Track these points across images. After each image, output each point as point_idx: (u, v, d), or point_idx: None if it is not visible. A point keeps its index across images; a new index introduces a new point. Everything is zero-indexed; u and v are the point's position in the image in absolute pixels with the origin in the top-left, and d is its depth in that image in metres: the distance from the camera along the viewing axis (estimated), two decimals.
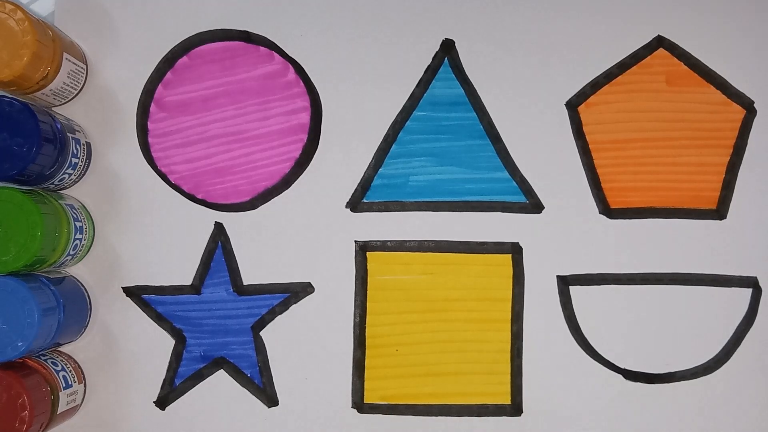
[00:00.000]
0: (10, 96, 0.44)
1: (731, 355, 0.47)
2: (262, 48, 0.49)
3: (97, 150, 0.49)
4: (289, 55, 0.49)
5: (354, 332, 0.48)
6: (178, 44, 0.49)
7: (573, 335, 0.48)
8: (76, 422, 0.48)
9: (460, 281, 0.48)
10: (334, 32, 0.49)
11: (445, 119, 0.49)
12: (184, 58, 0.49)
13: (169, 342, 0.48)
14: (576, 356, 0.48)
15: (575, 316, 0.48)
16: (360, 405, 0.48)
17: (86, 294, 0.48)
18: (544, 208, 0.48)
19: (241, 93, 0.49)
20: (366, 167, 0.49)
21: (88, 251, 0.48)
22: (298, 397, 0.48)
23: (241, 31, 0.49)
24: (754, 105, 0.48)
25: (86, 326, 0.48)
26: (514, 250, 0.48)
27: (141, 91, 0.49)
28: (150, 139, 0.49)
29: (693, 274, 0.48)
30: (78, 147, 0.47)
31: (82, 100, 0.49)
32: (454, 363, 0.48)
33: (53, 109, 0.49)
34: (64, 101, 0.49)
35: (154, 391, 0.48)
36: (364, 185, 0.49)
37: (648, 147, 0.48)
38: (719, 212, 0.48)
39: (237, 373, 0.48)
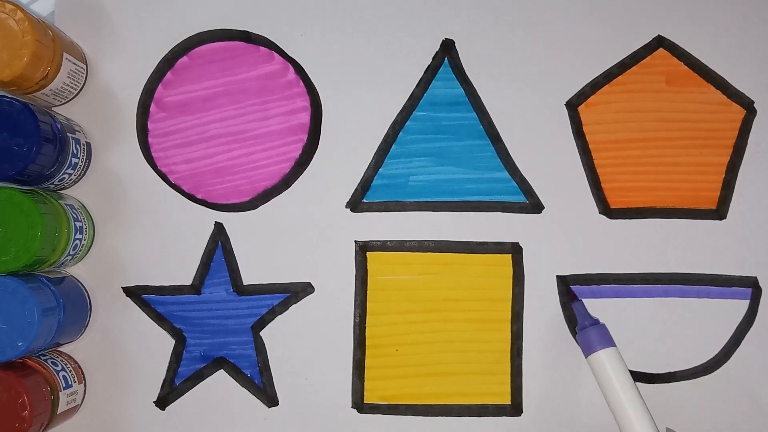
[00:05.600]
0: (10, 96, 0.44)
1: (731, 355, 0.47)
2: (262, 48, 0.49)
3: (97, 150, 0.49)
4: (289, 55, 0.49)
5: (354, 332, 0.48)
6: (178, 44, 0.49)
7: (573, 335, 0.48)
8: (76, 422, 0.48)
9: (460, 281, 0.48)
10: (334, 32, 0.49)
11: (445, 119, 0.49)
12: (184, 58, 0.49)
13: (169, 342, 0.48)
14: (576, 356, 0.48)
15: (575, 316, 0.48)
16: (360, 405, 0.48)
17: (86, 294, 0.48)
18: (544, 208, 0.48)
19: (241, 93, 0.49)
20: (366, 167, 0.49)
21: (88, 251, 0.48)
22: (298, 397, 0.48)
23: (241, 31, 0.49)
24: (754, 105, 0.48)
25: (86, 326, 0.48)
26: (514, 250, 0.48)
27: (141, 91, 0.49)
28: (150, 139, 0.49)
29: (693, 274, 0.48)
30: (78, 147, 0.47)
31: (82, 100, 0.49)
32: (454, 363, 0.48)
33: (53, 109, 0.49)
34: (64, 101, 0.49)
35: (154, 391, 0.48)
36: (364, 185, 0.49)
37: (648, 147, 0.48)
38: (719, 212, 0.48)
39: (237, 373, 0.48)
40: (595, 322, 0.46)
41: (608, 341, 0.46)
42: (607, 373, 0.45)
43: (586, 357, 0.46)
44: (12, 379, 0.42)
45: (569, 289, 0.47)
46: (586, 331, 0.46)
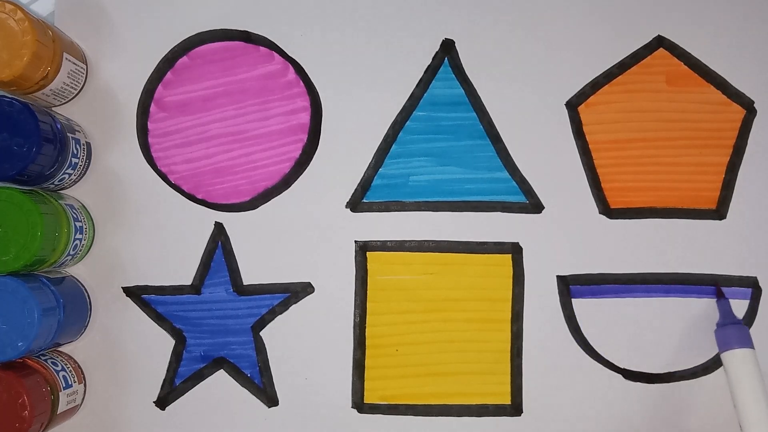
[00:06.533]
0: (10, 96, 0.44)
1: None
2: (262, 48, 0.49)
3: (97, 150, 0.49)
4: (289, 55, 0.49)
5: (354, 332, 0.48)
6: (178, 44, 0.49)
7: (573, 335, 0.48)
8: (76, 422, 0.48)
9: (460, 281, 0.48)
10: (334, 32, 0.49)
11: (445, 119, 0.49)
12: (184, 58, 0.49)
13: (169, 342, 0.48)
14: (576, 356, 0.48)
15: (575, 316, 0.48)
16: (360, 405, 0.48)
17: (86, 294, 0.48)
18: (544, 208, 0.48)
19: (241, 93, 0.49)
20: (366, 167, 0.49)
21: (88, 251, 0.48)
22: (298, 397, 0.48)
23: (241, 31, 0.49)
24: (754, 105, 0.48)
25: (86, 326, 0.48)
26: (514, 250, 0.48)
27: (141, 91, 0.49)
28: (150, 139, 0.49)
29: (693, 274, 0.48)
30: (78, 147, 0.47)
31: (82, 100, 0.49)
32: (454, 363, 0.48)
33: (53, 109, 0.49)
34: (64, 101, 0.49)
35: (154, 391, 0.48)
36: (364, 185, 0.49)
37: (648, 147, 0.48)
38: (719, 212, 0.48)
39: (237, 373, 0.48)
40: (738, 322, 0.46)
41: (747, 342, 0.45)
42: (739, 372, 0.44)
43: (720, 353, 0.46)
44: (12, 379, 0.42)
45: (717, 286, 0.47)
46: (726, 328, 0.46)
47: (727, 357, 0.45)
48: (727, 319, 0.46)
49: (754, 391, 0.44)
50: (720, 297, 0.47)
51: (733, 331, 0.45)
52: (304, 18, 0.49)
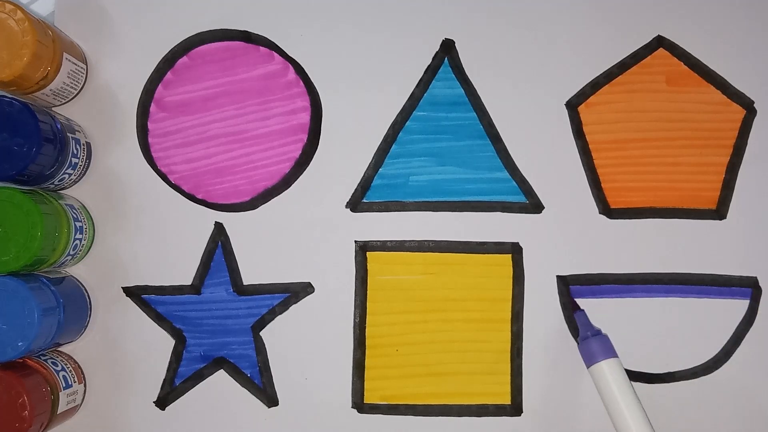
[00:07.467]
0: (10, 96, 0.44)
1: (731, 355, 0.47)
2: (262, 48, 0.49)
3: (97, 150, 0.49)
4: (289, 55, 0.49)
5: (354, 332, 0.48)
6: (178, 44, 0.49)
7: (573, 335, 0.48)
8: (76, 422, 0.48)
9: (460, 281, 0.48)
10: (334, 32, 0.49)
11: (445, 119, 0.49)
12: (184, 58, 0.49)
13: (169, 342, 0.48)
14: (576, 356, 0.48)
15: (575, 316, 0.48)
16: (360, 405, 0.48)
17: (86, 294, 0.48)
18: (544, 208, 0.48)
19: (241, 93, 0.49)
20: (366, 167, 0.49)
21: (88, 251, 0.48)
22: (298, 397, 0.48)
23: (241, 31, 0.49)
24: (754, 105, 0.48)
25: (86, 326, 0.48)
26: (514, 250, 0.48)
27: (141, 91, 0.49)
28: (150, 139, 0.49)
29: (693, 274, 0.48)
30: (78, 147, 0.47)
31: (82, 100, 0.49)
32: (454, 363, 0.48)
33: (53, 109, 0.49)
34: (64, 101, 0.49)
35: (154, 391, 0.48)
36: (364, 185, 0.49)
37: (648, 147, 0.48)
38: (719, 212, 0.48)
39: (237, 373, 0.48)
40: (597, 333, 0.46)
41: (610, 352, 0.45)
42: (609, 384, 0.45)
43: (588, 368, 0.46)
44: (12, 379, 0.42)
45: (571, 299, 0.47)
46: (588, 342, 0.46)
47: (594, 371, 0.45)
48: (586, 332, 0.46)
49: (626, 401, 0.44)
50: (576, 309, 0.47)
51: (595, 344, 0.45)
52: (304, 18, 0.49)
